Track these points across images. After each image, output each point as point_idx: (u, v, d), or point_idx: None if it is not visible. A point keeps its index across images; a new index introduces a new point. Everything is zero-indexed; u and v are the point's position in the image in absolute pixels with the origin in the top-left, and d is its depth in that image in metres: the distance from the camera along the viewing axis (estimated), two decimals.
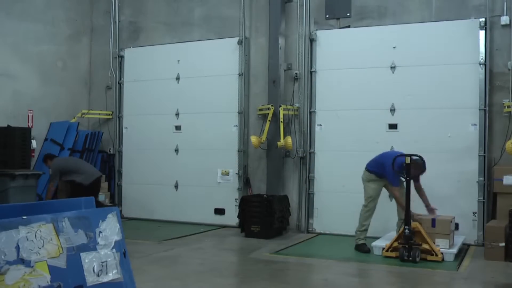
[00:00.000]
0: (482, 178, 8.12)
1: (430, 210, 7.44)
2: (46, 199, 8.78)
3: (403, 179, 7.12)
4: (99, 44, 11.33)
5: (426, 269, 6.45)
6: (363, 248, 7.46)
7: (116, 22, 11.12)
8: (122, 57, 11.08)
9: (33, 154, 9.77)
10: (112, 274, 2.94)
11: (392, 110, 8.73)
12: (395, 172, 7.18)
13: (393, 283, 6.17)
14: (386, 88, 8.76)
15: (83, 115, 10.89)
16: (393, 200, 8.51)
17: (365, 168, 7.69)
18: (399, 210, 7.48)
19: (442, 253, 6.83)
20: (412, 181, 7.12)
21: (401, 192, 7.28)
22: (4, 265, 2.51)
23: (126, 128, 11.03)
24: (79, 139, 10.29)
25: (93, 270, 2.86)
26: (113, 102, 11.13)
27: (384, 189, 8.51)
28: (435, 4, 8.59)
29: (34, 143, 9.65)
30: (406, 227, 6.86)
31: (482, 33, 8.17)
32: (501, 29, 8.16)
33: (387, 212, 8.50)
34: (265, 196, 8.92)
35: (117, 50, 11.07)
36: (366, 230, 7.59)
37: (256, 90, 9.80)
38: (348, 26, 9.17)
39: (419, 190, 7.44)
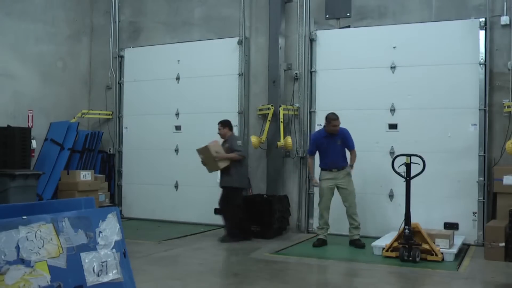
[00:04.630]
0: (482, 178, 8.11)
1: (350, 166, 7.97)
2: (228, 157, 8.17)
3: (403, 179, 7.13)
4: (99, 44, 11.34)
5: (426, 269, 6.45)
6: (361, 243, 7.65)
7: (116, 22, 11.12)
8: (122, 57, 11.09)
9: (33, 154, 9.77)
10: (112, 274, 2.95)
11: (392, 110, 8.73)
12: (315, 142, 8.04)
13: (393, 283, 6.18)
14: (386, 88, 8.75)
15: (83, 115, 10.89)
16: (393, 200, 8.55)
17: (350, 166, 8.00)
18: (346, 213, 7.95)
19: (442, 253, 6.83)
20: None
21: (310, 160, 8.21)
22: (4, 265, 2.51)
23: (126, 128, 11.04)
24: (79, 139, 10.28)
25: (93, 270, 2.86)
26: (113, 102, 11.13)
27: (383, 189, 8.56)
28: (435, 4, 8.59)
29: (34, 143, 9.65)
30: (406, 227, 6.87)
31: (482, 33, 8.17)
32: (501, 29, 8.16)
33: (387, 212, 8.52)
34: (265, 196, 8.92)
35: (117, 50, 11.07)
36: (322, 223, 8.06)
37: (256, 90, 9.80)
38: (348, 26, 9.16)
39: (352, 155, 8.00)
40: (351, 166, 7.92)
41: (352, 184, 7.88)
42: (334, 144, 7.87)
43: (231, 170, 8.23)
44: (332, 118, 7.76)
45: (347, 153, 7.99)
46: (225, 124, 8.53)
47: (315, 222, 9.17)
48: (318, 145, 7.99)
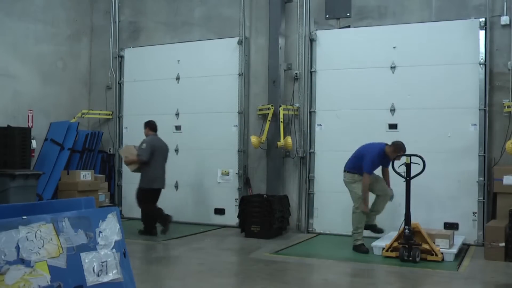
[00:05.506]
0: (482, 178, 8.12)
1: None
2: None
3: (403, 179, 7.12)
4: (99, 44, 11.34)
5: (426, 269, 6.45)
6: (361, 249, 7.45)
7: (116, 22, 11.12)
8: (122, 57, 11.08)
9: (33, 154, 9.77)
10: (112, 274, 2.95)
11: (392, 110, 8.73)
12: (375, 162, 7.42)
13: (393, 283, 6.17)
14: (386, 88, 8.76)
15: (83, 115, 10.89)
16: (393, 200, 8.52)
17: (346, 171, 7.71)
18: (377, 201, 7.70)
19: (442, 253, 6.83)
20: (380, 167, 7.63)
21: (369, 179, 7.45)
22: (4, 265, 2.51)
23: (126, 128, 11.03)
24: (79, 139, 10.28)
25: (93, 270, 2.86)
26: (113, 102, 11.13)
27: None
28: (435, 4, 8.59)
29: (34, 143, 9.65)
30: (406, 227, 6.86)
31: (482, 33, 8.17)
32: (501, 29, 8.16)
33: (387, 212, 8.50)
34: (265, 196, 8.91)
35: (117, 50, 11.07)
36: (362, 231, 7.60)
37: (256, 90, 9.80)
38: (348, 26, 9.17)
39: (386, 173, 7.74)
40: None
41: (352, 192, 7.70)
42: (384, 164, 7.73)
43: (141, 171, 8.68)
44: (403, 150, 7.42)
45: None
46: (146, 125, 8.99)
47: (315, 222, 9.19)
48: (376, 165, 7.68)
